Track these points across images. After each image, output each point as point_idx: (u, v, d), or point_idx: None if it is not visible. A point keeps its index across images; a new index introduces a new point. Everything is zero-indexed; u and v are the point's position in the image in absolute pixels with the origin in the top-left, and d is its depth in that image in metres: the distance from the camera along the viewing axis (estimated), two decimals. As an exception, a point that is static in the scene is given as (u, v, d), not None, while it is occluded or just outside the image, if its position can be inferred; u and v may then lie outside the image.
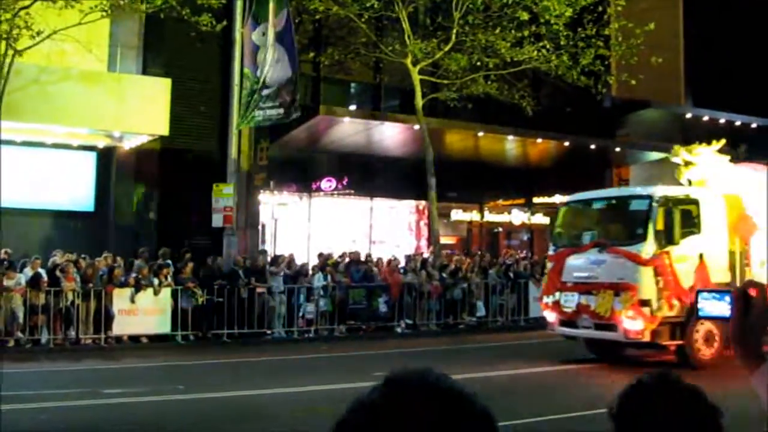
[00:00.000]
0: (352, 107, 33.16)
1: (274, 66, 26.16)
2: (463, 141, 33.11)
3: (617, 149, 36.22)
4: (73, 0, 23.16)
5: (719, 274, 18.96)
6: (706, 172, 20.58)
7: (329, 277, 25.89)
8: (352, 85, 34.36)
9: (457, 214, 36.51)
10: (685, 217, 19.01)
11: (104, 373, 18.51)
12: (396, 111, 32.29)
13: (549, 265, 21.35)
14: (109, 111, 25.77)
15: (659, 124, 35.95)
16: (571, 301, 19.58)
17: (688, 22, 39.67)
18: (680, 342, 18.43)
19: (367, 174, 32.38)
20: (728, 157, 21.06)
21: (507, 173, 36.18)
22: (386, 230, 34.89)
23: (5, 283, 21.63)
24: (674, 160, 21.33)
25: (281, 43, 26.06)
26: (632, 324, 18.19)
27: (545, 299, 20.78)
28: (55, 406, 14.04)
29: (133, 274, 23.26)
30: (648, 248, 18.38)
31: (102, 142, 27.85)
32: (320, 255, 27.51)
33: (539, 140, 33.42)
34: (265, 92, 26.33)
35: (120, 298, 22.79)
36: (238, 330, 23.77)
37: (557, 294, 19.99)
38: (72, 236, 26.61)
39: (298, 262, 27.39)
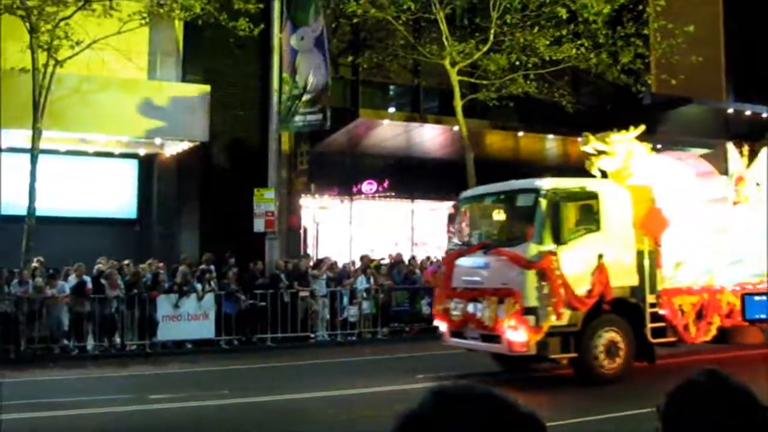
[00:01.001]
0: (392, 110, 33.13)
1: (313, 71, 26.26)
2: (503, 141, 32.99)
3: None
4: (112, 9, 23.37)
5: (624, 277, 16.81)
6: (622, 162, 18.15)
7: (372, 279, 25.91)
8: (391, 87, 34.35)
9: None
10: (580, 213, 16.95)
11: (149, 379, 18.61)
12: (435, 112, 32.26)
13: (442, 268, 19.49)
14: (150, 118, 25.99)
15: (701, 120, 35.58)
16: (458, 308, 17.35)
17: (729, 17, 39.33)
18: (574, 355, 16.16)
19: (408, 176, 32.34)
20: (648, 146, 18.68)
21: (548, 172, 35.98)
22: (428, 232, 34.83)
23: (48, 291, 21.83)
24: (585, 149, 19.08)
25: (319, 47, 26.15)
26: (515, 335, 15.88)
27: (436, 306, 18.76)
28: (102, 413, 14.14)
29: (177, 280, 23.40)
30: (532, 249, 15.98)
31: (143, 150, 28.08)
32: (363, 257, 27.53)
33: (580, 139, 33.22)
34: (306, 98, 26.44)
35: (164, 304, 22.92)
36: (281, 334, 23.85)
37: (447, 301, 17.77)
38: (115, 243, 26.79)
39: (340, 265, 27.44)
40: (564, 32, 28.06)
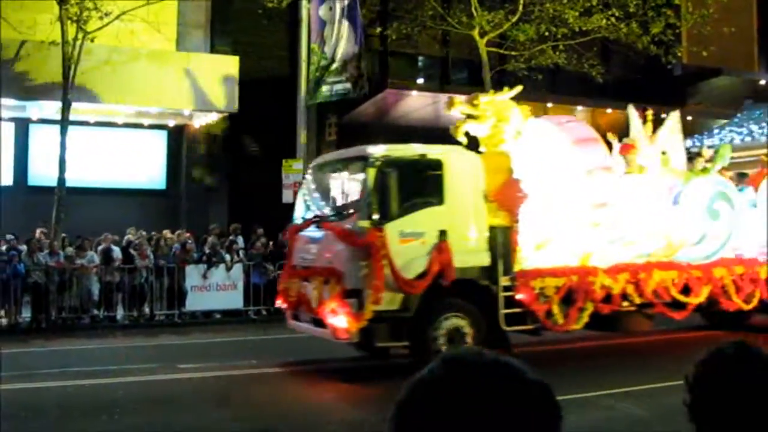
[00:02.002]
0: (420, 81, 33.07)
1: (340, 41, 26.23)
2: (532, 112, 32.74)
3: (689, 117, 35.74)
4: (142, -20, 23.46)
5: (473, 257, 14.76)
6: (492, 127, 15.85)
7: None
8: (420, 58, 34.29)
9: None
10: (420, 184, 14.83)
11: (179, 348, 18.75)
12: (464, 84, 32.16)
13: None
14: (179, 90, 26.08)
15: (731, 91, 35.37)
16: (293, 288, 15.83)
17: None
18: (406, 343, 14.32)
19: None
20: (526, 109, 16.49)
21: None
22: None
23: (78, 261, 22.01)
24: (453, 113, 16.48)
25: (347, 18, 26.10)
26: (336, 320, 14.10)
27: (279, 285, 17.26)
28: (131, 381, 14.27)
29: (206, 251, 23.53)
30: (359, 224, 14.18)
31: (172, 121, 28.19)
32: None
33: (609, 110, 33.07)
34: (334, 68, 26.42)
35: (193, 274, 23.07)
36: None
37: (288, 280, 16.31)
38: (144, 214, 26.96)
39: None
40: (594, 2, 27.87)
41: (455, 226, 14.61)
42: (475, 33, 27.76)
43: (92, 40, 23.55)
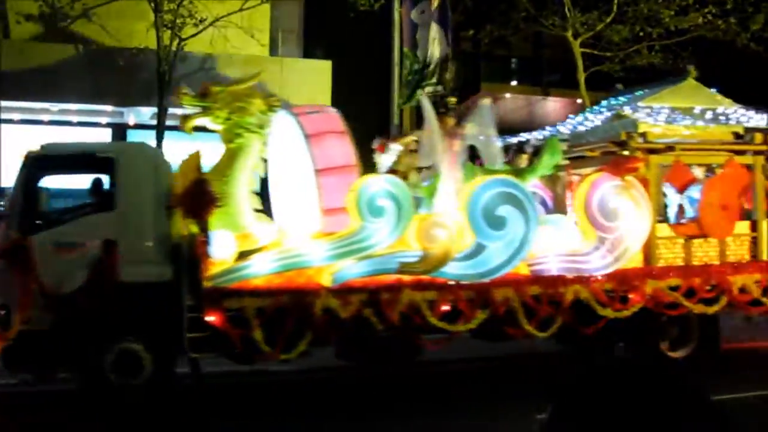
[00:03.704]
0: (513, 83, 32.93)
1: (432, 44, 26.21)
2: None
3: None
4: (234, -14, 23.81)
5: (149, 270, 12.65)
6: (226, 121, 13.33)
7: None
8: (513, 60, 34.17)
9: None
10: (83, 186, 13.41)
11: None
12: (557, 85, 31.97)
13: None
14: (272, 94, 26.33)
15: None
16: None
17: None
18: (63, 368, 12.77)
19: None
20: (276, 101, 13.95)
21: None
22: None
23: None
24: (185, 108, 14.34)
25: (439, 21, 26.08)
26: None
27: None
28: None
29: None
30: (9, 232, 12.52)
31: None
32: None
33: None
34: (426, 71, 26.42)
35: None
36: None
37: None
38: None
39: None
40: (690, 0, 27.45)
41: (128, 234, 12.65)
42: (569, 34, 27.55)
43: (186, 47, 23.94)
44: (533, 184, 14.81)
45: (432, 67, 26.18)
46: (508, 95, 29.86)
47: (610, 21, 27.53)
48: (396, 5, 26.70)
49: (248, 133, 13.22)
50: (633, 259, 14.14)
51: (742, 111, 15.88)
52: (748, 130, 15.44)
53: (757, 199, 15.23)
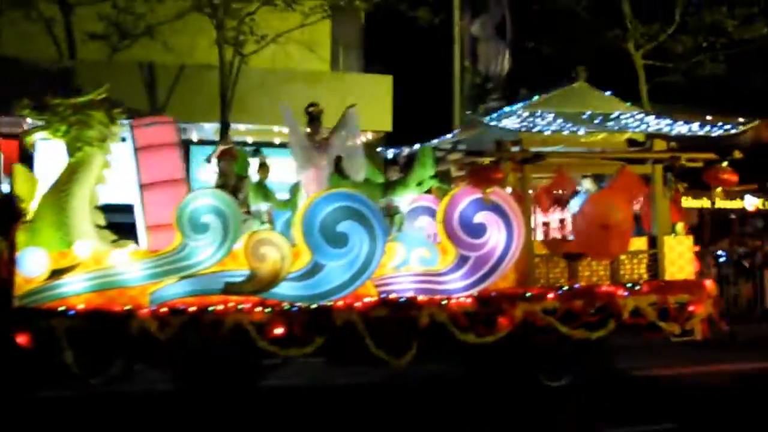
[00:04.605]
0: (575, 96, 32.67)
1: (493, 58, 26.17)
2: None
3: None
4: (294, 3, 23.94)
5: None
6: (66, 134, 12.72)
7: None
8: (573, 73, 33.88)
9: (686, 202, 35.32)
10: None
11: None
12: (619, 98, 31.63)
13: None
14: (333, 109, 26.23)
15: None
16: None
17: None
18: None
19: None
20: (119, 112, 13.25)
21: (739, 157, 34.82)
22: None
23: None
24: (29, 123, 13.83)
25: (499, 35, 26.04)
26: None
27: None
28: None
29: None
30: None
31: (328, 141, 28.52)
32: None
33: (776, 121, 32.08)
34: (488, 86, 26.38)
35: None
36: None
37: None
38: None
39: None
40: (755, 10, 27.10)
41: None
42: (630, 46, 27.32)
43: (247, 61, 24.13)
44: (427, 198, 14.21)
45: (493, 83, 26.14)
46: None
47: (672, 32, 27.26)
48: (456, 20, 26.75)
49: (88, 147, 12.72)
50: (505, 279, 12.90)
51: (641, 116, 14.97)
52: (649, 136, 14.42)
53: (658, 213, 13.97)
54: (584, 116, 14.33)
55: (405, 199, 14.18)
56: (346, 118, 14.56)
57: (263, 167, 15.18)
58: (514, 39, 26.07)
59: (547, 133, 13.77)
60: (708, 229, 35.37)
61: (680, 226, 14.35)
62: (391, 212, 14.00)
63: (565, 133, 13.85)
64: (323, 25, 26.24)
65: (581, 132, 14.02)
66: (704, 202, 35.23)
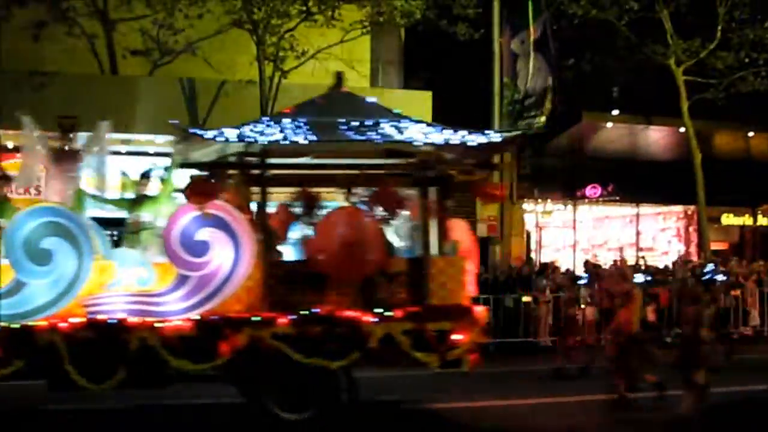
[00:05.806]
0: (615, 112, 32.55)
1: (533, 74, 26.10)
2: (732, 142, 31.99)
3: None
4: (334, 19, 24.05)
5: None
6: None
7: (595, 285, 25.39)
8: (614, 89, 33.80)
9: (728, 219, 35.15)
10: None
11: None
12: (660, 114, 31.52)
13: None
14: (373, 126, 26.43)
15: None
16: None
17: None
18: None
19: (633, 179, 31.69)
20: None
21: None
22: (653, 237, 34.11)
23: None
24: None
25: (540, 50, 25.96)
26: None
27: None
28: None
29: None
30: None
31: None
32: (586, 263, 27.10)
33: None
34: (528, 102, 26.32)
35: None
36: (503, 339, 23.58)
37: None
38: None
39: (563, 270, 27.11)
40: (797, 24, 26.97)
41: None
42: (671, 62, 27.21)
43: (287, 77, 24.23)
44: None
45: (534, 99, 26.07)
46: (609, 124, 29.53)
47: (713, 47, 27.13)
48: (496, 35, 26.71)
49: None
50: (235, 302, 11.91)
51: (421, 128, 13.57)
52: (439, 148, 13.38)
53: (422, 231, 12.75)
54: (341, 125, 12.82)
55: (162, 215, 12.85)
56: (97, 132, 13.58)
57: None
58: (555, 55, 25.97)
59: (264, 143, 12.50)
60: (750, 247, 35.11)
61: (452, 246, 13.11)
62: (137, 228, 13.13)
63: (285, 142, 12.39)
64: (363, 41, 26.33)
65: (304, 142, 12.37)
66: (746, 219, 35.00)
